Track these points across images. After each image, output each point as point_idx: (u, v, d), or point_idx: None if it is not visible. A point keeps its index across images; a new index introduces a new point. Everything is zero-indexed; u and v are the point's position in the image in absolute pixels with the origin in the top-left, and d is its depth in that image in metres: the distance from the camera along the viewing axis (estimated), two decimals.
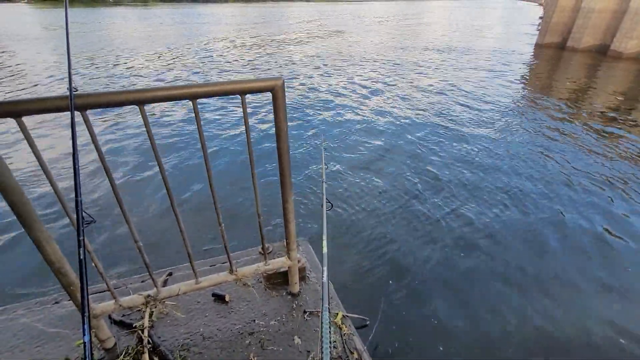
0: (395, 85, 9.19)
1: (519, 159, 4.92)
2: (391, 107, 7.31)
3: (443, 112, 6.97)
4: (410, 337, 2.36)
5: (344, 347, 1.53)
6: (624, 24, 12.00)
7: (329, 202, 1.83)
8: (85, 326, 0.81)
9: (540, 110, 7.04)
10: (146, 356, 1.41)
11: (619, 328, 2.42)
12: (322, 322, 1.03)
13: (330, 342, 0.99)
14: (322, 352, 0.91)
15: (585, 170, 4.58)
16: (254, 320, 1.62)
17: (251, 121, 6.31)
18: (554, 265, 3.00)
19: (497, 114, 6.81)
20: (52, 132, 5.78)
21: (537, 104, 7.43)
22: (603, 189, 4.13)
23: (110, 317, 1.59)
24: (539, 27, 16.53)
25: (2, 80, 9.34)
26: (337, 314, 1.69)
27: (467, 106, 7.31)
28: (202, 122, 1.19)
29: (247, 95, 1.21)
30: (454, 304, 2.63)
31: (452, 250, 3.17)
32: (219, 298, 1.73)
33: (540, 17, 19.23)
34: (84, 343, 0.80)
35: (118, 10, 46.59)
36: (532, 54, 14.14)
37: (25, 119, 0.98)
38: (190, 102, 1.14)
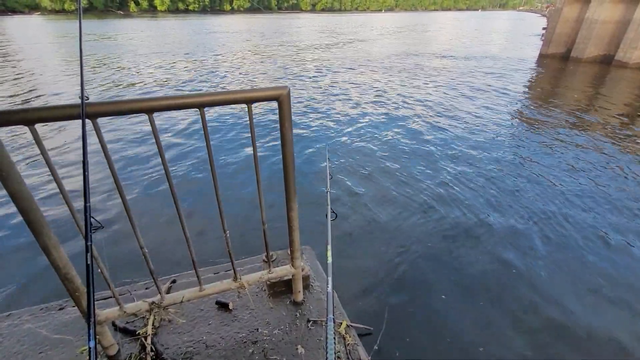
0: (403, 94, 9.24)
1: (522, 167, 4.90)
2: (398, 116, 7.34)
3: (450, 121, 6.98)
4: (415, 347, 2.32)
5: (347, 357, 1.51)
6: (628, 34, 12.04)
7: (334, 212, 1.82)
8: (91, 332, 0.81)
9: (545, 118, 7.02)
10: None
11: None
12: (327, 333, 1.02)
13: (334, 353, 0.98)
14: None
15: (586, 184, 4.54)
16: (257, 329, 1.61)
17: (256, 129, 6.36)
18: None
19: (502, 125, 6.82)
20: (63, 139, 5.87)
21: (542, 113, 7.42)
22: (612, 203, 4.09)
23: (113, 323, 1.59)
24: (543, 38, 16.63)
25: (15, 88, 9.54)
26: (341, 323, 1.67)
27: (475, 115, 7.32)
28: (208, 130, 1.21)
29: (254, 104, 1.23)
30: (460, 314, 2.59)
31: (458, 260, 3.13)
32: (223, 306, 1.73)
33: (544, 28, 19.34)
34: (89, 349, 0.80)
35: (127, 22, 47.71)
36: (537, 64, 14.19)
37: (37, 126, 1.00)
38: (198, 111, 1.16)
